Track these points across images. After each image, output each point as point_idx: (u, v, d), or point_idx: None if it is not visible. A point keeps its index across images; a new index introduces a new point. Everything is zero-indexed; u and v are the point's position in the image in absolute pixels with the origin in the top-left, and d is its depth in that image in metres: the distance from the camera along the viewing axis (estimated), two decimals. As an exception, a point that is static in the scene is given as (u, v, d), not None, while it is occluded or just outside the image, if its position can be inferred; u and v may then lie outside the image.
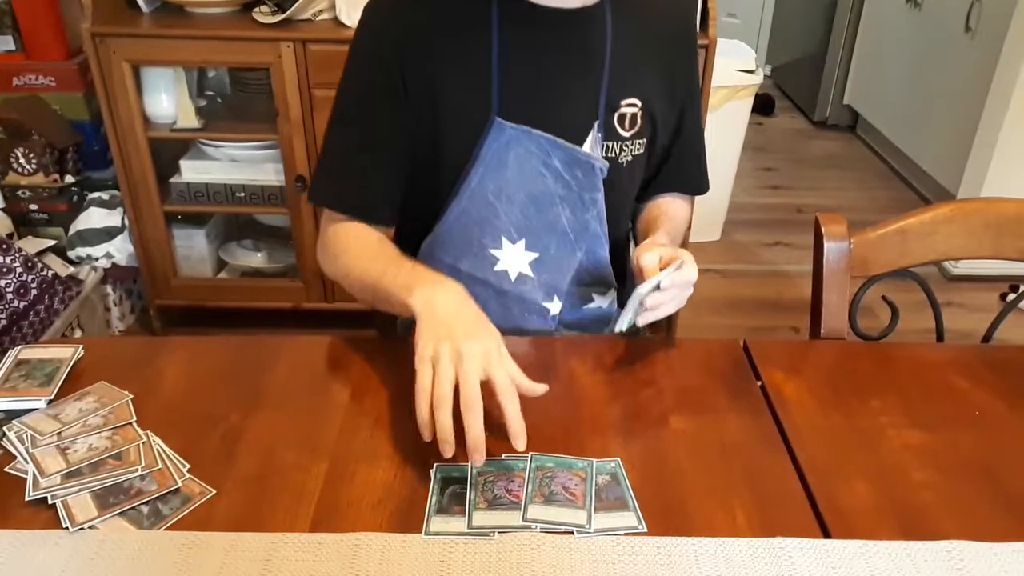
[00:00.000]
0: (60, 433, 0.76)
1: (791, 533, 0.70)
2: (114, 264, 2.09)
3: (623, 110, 0.97)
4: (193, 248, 2.19)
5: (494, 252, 0.99)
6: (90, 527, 0.68)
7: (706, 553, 0.68)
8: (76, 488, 0.71)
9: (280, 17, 1.85)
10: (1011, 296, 2.65)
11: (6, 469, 0.74)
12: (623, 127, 0.98)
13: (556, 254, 1.00)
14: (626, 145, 0.99)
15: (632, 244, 1.15)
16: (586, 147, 0.96)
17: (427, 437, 0.74)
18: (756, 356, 0.93)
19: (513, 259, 1.00)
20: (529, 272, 1.00)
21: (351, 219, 0.98)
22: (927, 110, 3.06)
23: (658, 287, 0.85)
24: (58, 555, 0.66)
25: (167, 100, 1.98)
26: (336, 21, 1.90)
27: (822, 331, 1.00)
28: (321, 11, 1.91)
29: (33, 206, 2.08)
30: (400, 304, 0.84)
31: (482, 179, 0.95)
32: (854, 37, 3.68)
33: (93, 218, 2.06)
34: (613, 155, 0.98)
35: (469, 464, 0.73)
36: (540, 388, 0.77)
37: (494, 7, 0.92)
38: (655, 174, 1.09)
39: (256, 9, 1.92)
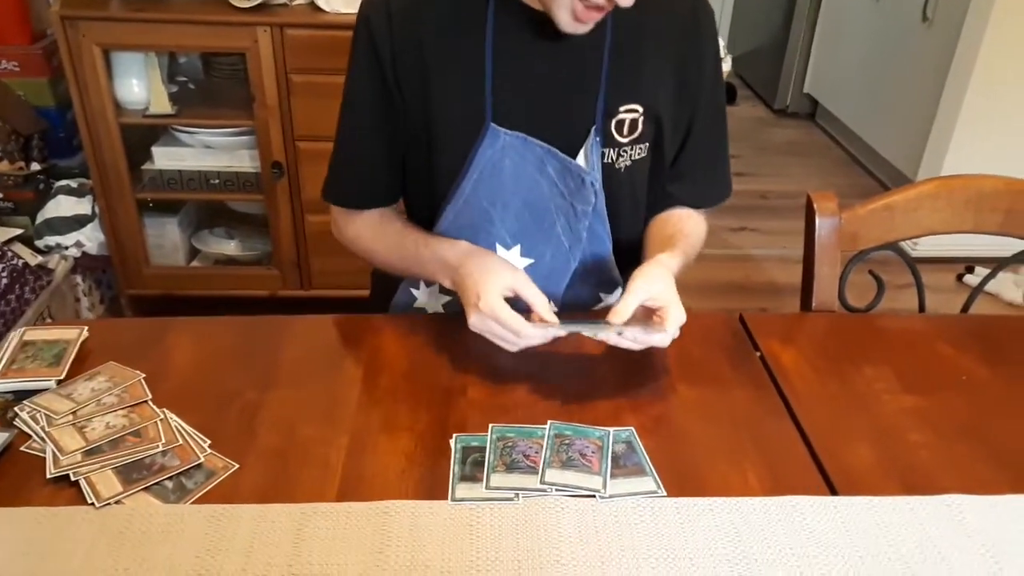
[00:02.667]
0: (75, 412, 0.76)
1: (800, 491, 0.73)
2: (84, 253, 2.04)
3: (622, 116, 0.95)
4: (165, 236, 2.15)
5: None
6: (116, 502, 0.68)
7: (722, 512, 0.71)
8: (98, 465, 0.70)
9: (257, 1, 1.83)
10: (967, 276, 2.75)
11: (22, 449, 0.73)
12: (621, 133, 0.96)
13: (551, 262, 1.00)
14: (625, 151, 0.97)
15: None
16: (582, 154, 0.94)
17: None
18: (753, 328, 0.96)
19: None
20: None
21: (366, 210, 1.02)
22: (885, 98, 3.15)
23: (620, 333, 0.83)
24: (86, 531, 0.66)
25: (139, 85, 1.94)
26: (313, 6, 1.88)
27: (814, 304, 1.04)
28: (298, -5, 1.89)
29: (-2, 194, 2.03)
30: (441, 281, 0.95)
31: (476, 185, 0.94)
32: (814, 27, 3.76)
33: (62, 206, 2.01)
34: (610, 160, 0.96)
35: (489, 430, 0.74)
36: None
37: (490, 13, 0.90)
38: (667, 186, 1.04)
39: (231, -8, 1.89)
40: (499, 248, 0.98)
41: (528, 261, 0.99)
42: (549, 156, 0.94)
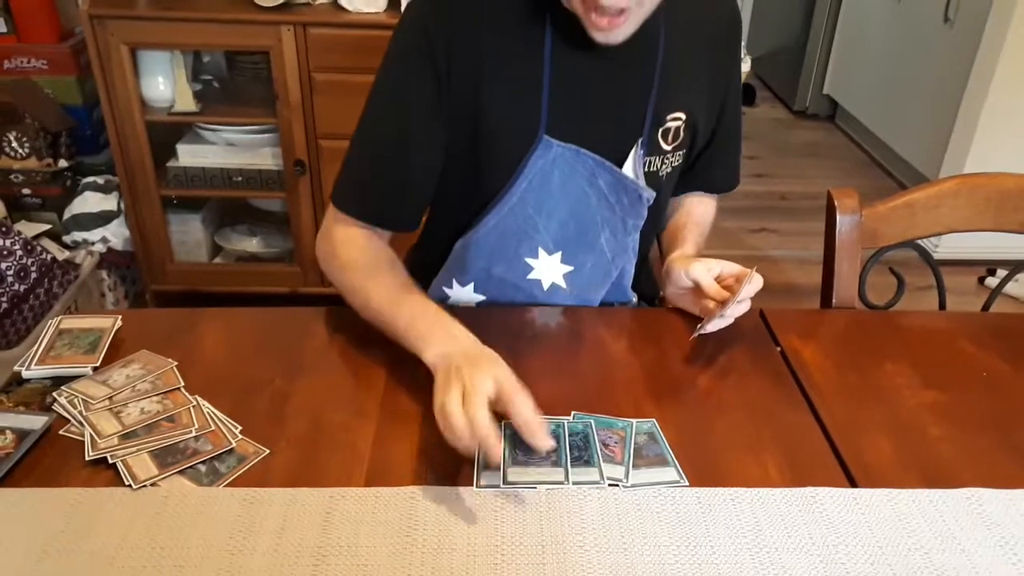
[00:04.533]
0: (111, 398, 0.78)
1: (820, 483, 0.74)
2: (110, 248, 2.08)
3: (668, 124, 0.96)
4: (189, 233, 2.19)
5: (529, 261, 0.99)
6: (152, 484, 0.70)
7: (743, 502, 0.72)
8: (135, 448, 0.72)
9: (280, 1, 1.86)
10: (988, 279, 2.73)
11: (60, 432, 0.75)
12: (666, 141, 0.97)
13: (591, 271, 1.01)
14: (667, 158, 0.98)
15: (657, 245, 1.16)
16: (628, 163, 0.96)
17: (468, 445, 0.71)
18: (773, 324, 0.97)
19: (548, 269, 1.00)
20: (563, 284, 1.01)
21: (366, 226, 0.94)
22: (906, 100, 3.14)
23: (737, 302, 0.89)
24: (124, 511, 0.68)
25: (164, 83, 1.97)
26: (336, 5, 1.91)
27: (834, 301, 1.04)
28: (321, -5, 1.91)
29: (26, 190, 2.07)
30: (414, 350, 0.82)
31: (524, 194, 0.94)
32: (834, 28, 3.75)
33: (89, 202, 2.04)
34: (654, 169, 0.97)
35: (502, 426, 0.75)
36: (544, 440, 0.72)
37: (548, 21, 0.89)
38: (688, 172, 1.07)
39: (255, -8, 1.92)
40: (541, 252, 0.98)
41: (568, 268, 1.00)
42: (601, 169, 0.94)
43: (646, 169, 0.97)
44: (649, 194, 0.96)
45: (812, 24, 3.78)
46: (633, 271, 1.06)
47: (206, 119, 2.02)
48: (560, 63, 0.90)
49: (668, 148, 0.97)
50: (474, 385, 0.71)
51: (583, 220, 0.97)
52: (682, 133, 0.97)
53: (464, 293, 1.04)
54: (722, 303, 0.90)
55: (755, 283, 0.90)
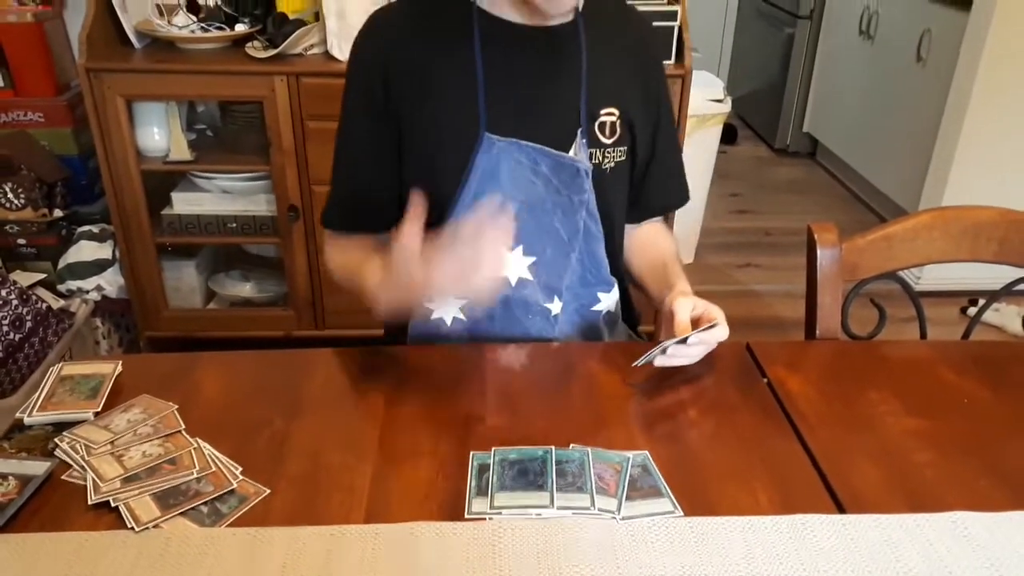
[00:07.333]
0: (113, 442, 0.79)
1: (809, 510, 0.76)
2: (105, 296, 2.09)
3: (603, 118, 1.03)
4: (183, 279, 2.21)
5: None
6: (154, 527, 0.71)
7: (735, 530, 0.73)
8: (136, 491, 0.74)
9: (273, 52, 1.91)
10: (970, 308, 2.77)
11: (62, 477, 0.77)
12: (604, 135, 1.04)
13: (552, 256, 1.05)
14: (608, 152, 1.04)
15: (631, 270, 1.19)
16: (572, 152, 1.02)
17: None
18: (760, 356, 1.00)
19: (513, 264, 1.05)
20: (529, 276, 1.06)
21: (351, 235, 1.09)
22: (884, 136, 3.22)
23: (684, 341, 0.90)
24: (127, 554, 0.69)
25: (159, 133, 2.01)
26: (327, 55, 1.96)
27: (818, 333, 1.07)
28: (313, 46, 1.97)
29: (21, 241, 2.09)
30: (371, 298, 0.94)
31: (476, 192, 1.00)
32: (811, 68, 3.86)
33: (84, 251, 2.07)
34: (597, 162, 1.04)
35: (492, 452, 0.77)
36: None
37: (475, 28, 0.98)
38: (639, 193, 1.14)
39: (248, 44, 1.97)
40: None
41: (531, 259, 1.05)
42: (541, 155, 1.01)
43: (592, 161, 1.03)
44: (585, 165, 1.02)
45: (790, 64, 3.89)
46: (605, 258, 1.09)
47: (200, 167, 2.05)
48: (492, 63, 0.98)
49: (608, 142, 1.04)
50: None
51: (535, 209, 1.03)
52: (618, 128, 1.04)
53: (443, 302, 1.08)
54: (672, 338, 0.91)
55: (713, 332, 0.92)
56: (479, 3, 0.98)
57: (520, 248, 1.04)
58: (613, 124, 1.04)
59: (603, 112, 1.03)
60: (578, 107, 1.01)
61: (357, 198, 1.08)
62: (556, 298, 1.07)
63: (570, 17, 1.01)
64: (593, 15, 1.03)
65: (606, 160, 1.05)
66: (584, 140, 1.02)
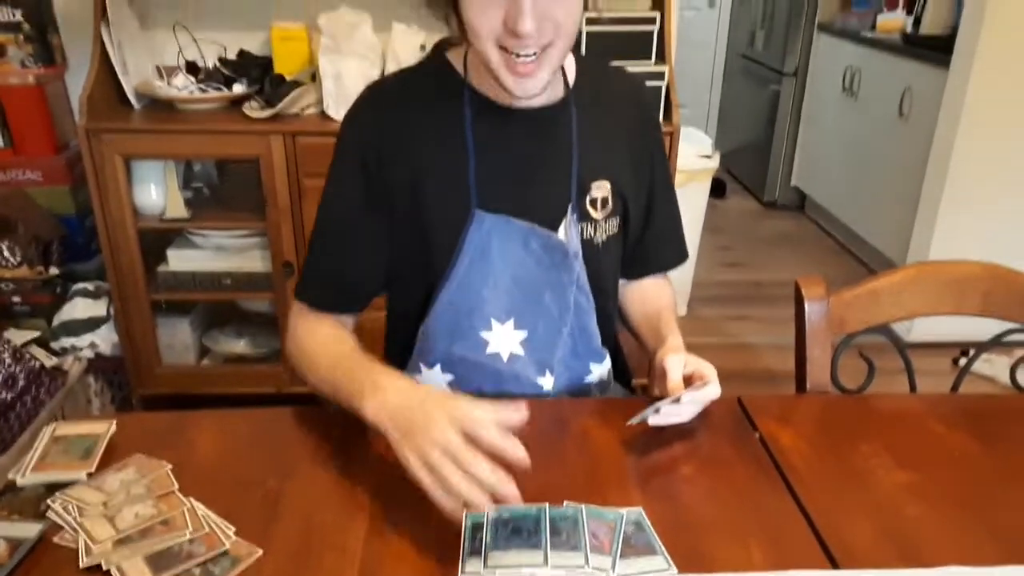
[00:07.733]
0: (106, 503, 0.79)
1: (803, 566, 0.76)
2: (98, 354, 2.09)
3: (594, 193, 1.03)
4: (176, 336, 2.21)
5: (484, 335, 1.03)
6: (146, 589, 0.70)
7: (730, 587, 0.73)
8: (129, 553, 0.73)
9: (270, 112, 1.95)
10: (962, 360, 2.79)
11: (54, 540, 0.76)
12: (595, 209, 1.04)
13: (543, 332, 1.05)
14: (599, 225, 1.05)
15: (622, 320, 1.21)
16: (562, 229, 1.02)
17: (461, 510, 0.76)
18: (751, 410, 1.00)
19: (504, 339, 1.04)
20: (520, 351, 1.05)
21: (322, 313, 1.04)
22: (870, 189, 3.28)
23: (678, 400, 0.91)
24: (118, 617, 0.68)
25: (156, 191, 2.04)
26: (323, 115, 2.00)
27: (808, 386, 1.08)
28: (309, 105, 2.01)
29: (16, 298, 2.09)
30: (357, 413, 0.86)
31: (468, 269, 1.00)
32: (797, 124, 3.95)
33: (78, 308, 2.07)
34: (588, 236, 1.04)
35: (486, 512, 0.76)
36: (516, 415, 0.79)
37: (466, 105, 0.99)
38: (636, 254, 1.15)
39: (246, 104, 2.01)
40: (494, 323, 1.03)
41: (523, 334, 1.05)
42: (531, 234, 1.01)
43: (582, 236, 1.04)
44: (575, 248, 1.02)
45: (776, 120, 3.98)
46: (596, 329, 1.09)
47: (196, 225, 2.08)
48: (482, 139, 0.99)
49: (599, 216, 1.04)
50: (447, 440, 0.75)
51: (526, 284, 1.03)
52: (610, 202, 1.05)
53: (433, 375, 1.08)
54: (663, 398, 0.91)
55: (706, 392, 0.92)
56: (469, 81, 1.00)
57: (512, 321, 1.04)
58: (605, 198, 1.04)
59: (594, 185, 1.03)
60: (569, 183, 1.02)
61: (337, 276, 1.05)
62: (548, 372, 1.06)
63: (544, 99, 0.99)
64: (583, 86, 1.04)
65: (598, 234, 1.05)
66: (575, 216, 1.02)
